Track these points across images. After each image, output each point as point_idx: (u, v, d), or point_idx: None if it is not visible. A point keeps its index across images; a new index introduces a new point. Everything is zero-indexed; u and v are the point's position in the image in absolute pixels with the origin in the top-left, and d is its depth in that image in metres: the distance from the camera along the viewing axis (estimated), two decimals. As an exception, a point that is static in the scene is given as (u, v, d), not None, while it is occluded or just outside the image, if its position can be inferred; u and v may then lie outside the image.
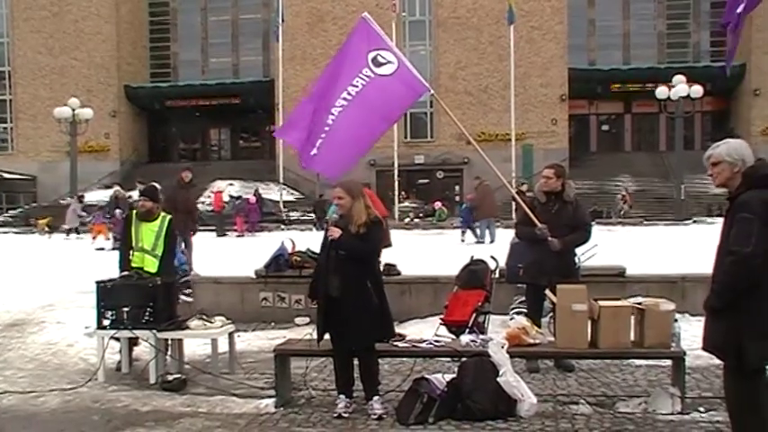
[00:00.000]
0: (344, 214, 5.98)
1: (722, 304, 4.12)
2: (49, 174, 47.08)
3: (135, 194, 25.45)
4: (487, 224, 22.28)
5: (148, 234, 7.74)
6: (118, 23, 48.99)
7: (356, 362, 6.14)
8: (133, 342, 7.57)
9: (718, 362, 4.52)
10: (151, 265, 7.65)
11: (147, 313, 7.09)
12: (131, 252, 7.77)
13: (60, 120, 37.85)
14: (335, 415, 5.88)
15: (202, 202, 36.38)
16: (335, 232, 5.89)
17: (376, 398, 5.96)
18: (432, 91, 7.42)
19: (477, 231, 22.85)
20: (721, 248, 4.18)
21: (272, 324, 9.99)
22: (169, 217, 8.03)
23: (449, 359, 6.88)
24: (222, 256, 16.80)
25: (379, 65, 7.07)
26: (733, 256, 4.03)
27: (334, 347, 6.09)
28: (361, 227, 5.90)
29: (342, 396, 6.02)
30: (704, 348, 4.35)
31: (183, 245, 12.62)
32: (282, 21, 42.85)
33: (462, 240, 23.03)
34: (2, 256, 20.40)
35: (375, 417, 5.81)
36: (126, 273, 7.55)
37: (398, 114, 7.27)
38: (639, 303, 6.06)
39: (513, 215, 25.22)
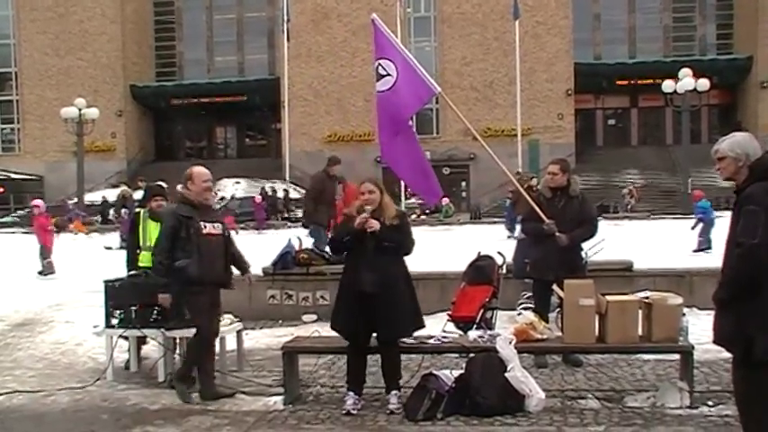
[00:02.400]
0: (376, 208, 5.94)
1: (729, 296, 4.12)
2: (55, 174, 47.23)
3: (137, 195, 25.47)
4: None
5: (157, 233, 7.72)
6: (123, 23, 49.10)
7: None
8: (141, 341, 7.60)
9: (726, 356, 4.51)
10: None
11: (155, 312, 7.10)
12: (139, 251, 7.77)
13: (67, 120, 37.98)
14: (344, 412, 5.89)
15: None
16: (375, 224, 5.83)
17: (394, 392, 5.98)
18: (439, 89, 7.39)
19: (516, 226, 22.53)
20: (730, 241, 4.18)
21: (280, 321, 10.01)
22: None
23: (456, 355, 6.89)
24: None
25: (379, 77, 7.08)
26: (739, 249, 4.04)
27: (353, 345, 6.07)
28: (393, 219, 5.95)
29: (351, 393, 6.03)
30: (715, 342, 4.34)
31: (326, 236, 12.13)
32: (288, 20, 42.84)
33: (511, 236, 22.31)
34: (10, 255, 20.48)
35: (388, 412, 5.83)
36: (134, 272, 7.56)
37: (400, 126, 7.26)
38: (647, 298, 6.06)
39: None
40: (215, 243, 6.43)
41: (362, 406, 6.00)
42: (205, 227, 6.35)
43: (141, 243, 7.75)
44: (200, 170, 6.57)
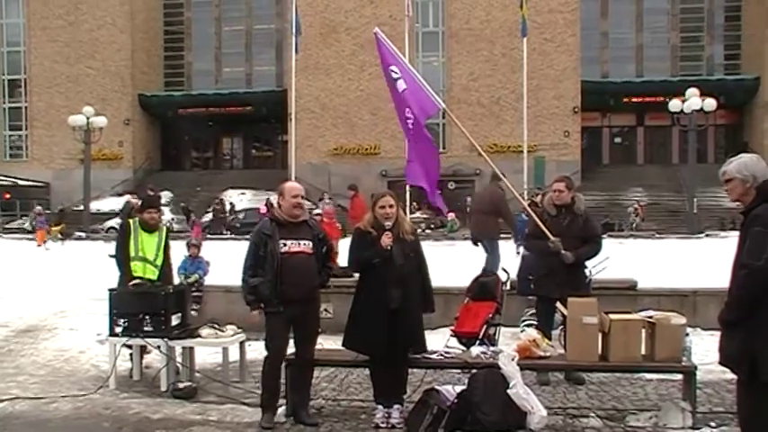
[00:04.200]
0: (394, 223, 6.00)
1: (735, 317, 4.13)
2: (62, 181, 47.38)
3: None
4: None
5: (150, 244, 7.73)
6: (133, 33, 49.37)
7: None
8: (144, 349, 7.61)
9: (729, 376, 4.51)
10: (152, 274, 7.65)
11: (159, 321, 7.11)
12: (130, 261, 7.72)
13: (74, 127, 38.08)
14: (373, 425, 5.89)
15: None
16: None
17: (396, 406, 5.99)
18: (443, 105, 7.42)
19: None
20: (737, 262, 4.19)
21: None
22: (167, 228, 8.08)
23: (459, 371, 6.88)
24: (234, 264, 16.83)
25: (393, 81, 7.13)
26: (745, 270, 4.05)
27: (375, 358, 6.07)
28: (410, 234, 6.06)
29: (380, 406, 6.02)
30: (721, 362, 4.34)
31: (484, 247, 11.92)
32: (299, 33, 42.98)
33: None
34: (16, 262, 20.52)
35: (389, 426, 5.84)
36: (138, 281, 7.56)
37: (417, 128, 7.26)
38: (650, 317, 6.06)
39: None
40: (297, 261, 6.03)
41: (365, 419, 6.00)
42: (285, 244, 6.01)
43: (134, 253, 7.68)
44: (291, 185, 6.29)
